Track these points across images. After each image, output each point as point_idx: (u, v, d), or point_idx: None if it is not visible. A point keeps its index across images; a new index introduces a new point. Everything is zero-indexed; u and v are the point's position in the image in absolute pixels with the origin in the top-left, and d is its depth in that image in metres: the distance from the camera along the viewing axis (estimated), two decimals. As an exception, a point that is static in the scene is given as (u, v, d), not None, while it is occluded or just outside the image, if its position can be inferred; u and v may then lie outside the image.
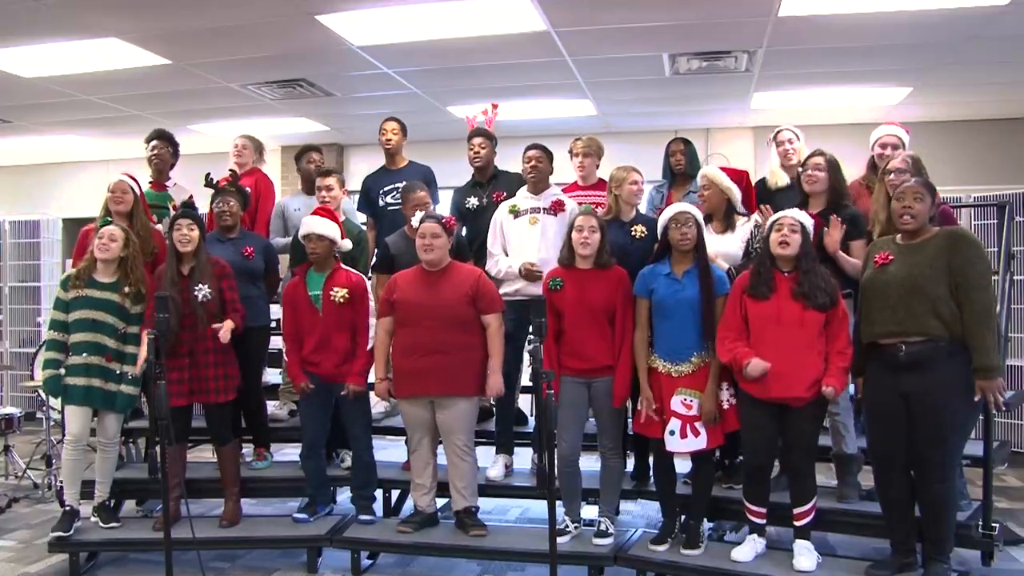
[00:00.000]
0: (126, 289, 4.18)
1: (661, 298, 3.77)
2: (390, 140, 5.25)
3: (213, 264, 4.26)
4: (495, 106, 5.40)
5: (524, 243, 4.37)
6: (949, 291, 3.28)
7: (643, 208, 4.54)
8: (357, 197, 5.54)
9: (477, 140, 4.92)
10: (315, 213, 4.34)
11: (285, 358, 4.36)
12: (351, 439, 4.44)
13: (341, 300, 4.21)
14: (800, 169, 4.14)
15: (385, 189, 5.21)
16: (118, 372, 4.19)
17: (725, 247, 4.06)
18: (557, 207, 4.39)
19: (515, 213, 4.44)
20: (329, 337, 4.23)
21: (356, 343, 4.28)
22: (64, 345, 4.18)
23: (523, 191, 4.53)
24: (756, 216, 4.13)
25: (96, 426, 4.28)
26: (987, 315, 3.31)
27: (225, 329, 4.16)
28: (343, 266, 4.37)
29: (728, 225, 4.13)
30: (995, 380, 3.27)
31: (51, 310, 4.30)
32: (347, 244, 4.41)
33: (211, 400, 4.26)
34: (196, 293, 4.15)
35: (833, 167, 4.00)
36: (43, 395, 5.54)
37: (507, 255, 4.44)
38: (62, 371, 4.16)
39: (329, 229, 4.25)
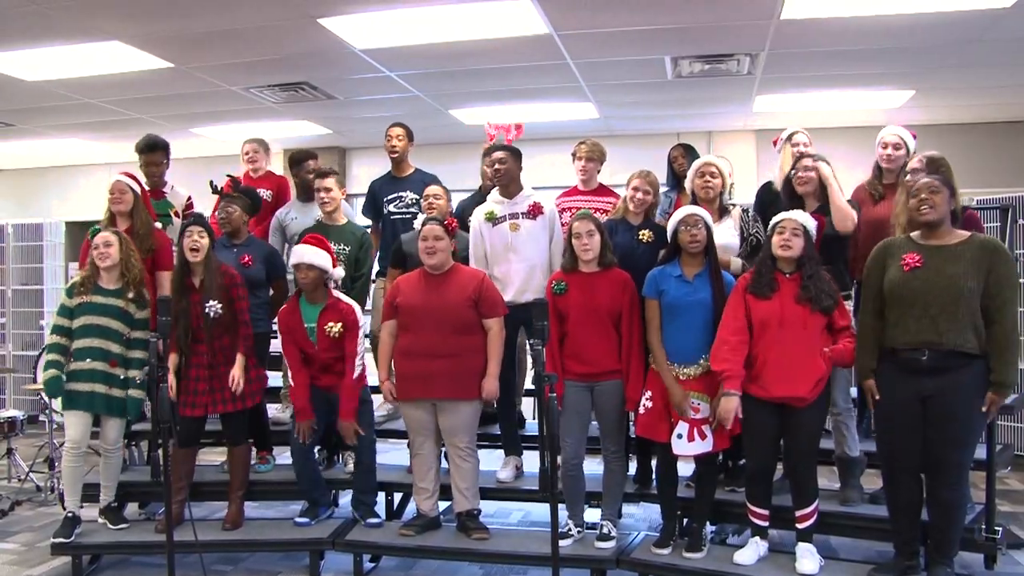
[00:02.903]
0: (130, 295, 4.20)
1: (672, 300, 3.75)
2: (395, 147, 5.08)
3: (223, 274, 4.23)
4: (519, 127, 5.28)
5: (509, 250, 4.27)
6: (983, 303, 3.27)
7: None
8: (357, 201, 5.48)
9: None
10: (306, 241, 4.23)
11: (290, 382, 4.27)
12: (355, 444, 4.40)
13: (336, 335, 4.16)
14: (792, 171, 4.03)
15: (389, 197, 5.08)
16: (122, 377, 4.21)
17: (721, 236, 3.96)
18: (535, 210, 4.29)
19: (492, 220, 4.33)
20: (327, 363, 4.21)
21: (344, 371, 4.18)
22: (66, 349, 4.18)
23: (495, 195, 4.39)
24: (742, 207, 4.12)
25: (99, 432, 4.28)
26: (1015, 331, 3.32)
27: (237, 374, 4.19)
28: (334, 294, 4.25)
29: (724, 212, 4.10)
30: (1006, 396, 3.32)
31: (54, 315, 4.32)
32: (339, 272, 4.30)
33: (238, 407, 4.26)
34: (208, 311, 4.14)
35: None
36: (45, 398, 5.54)
37: (488, 263, 4.34)
38: (63, 374, 4.15)
39: (320, 259, 4.15)
